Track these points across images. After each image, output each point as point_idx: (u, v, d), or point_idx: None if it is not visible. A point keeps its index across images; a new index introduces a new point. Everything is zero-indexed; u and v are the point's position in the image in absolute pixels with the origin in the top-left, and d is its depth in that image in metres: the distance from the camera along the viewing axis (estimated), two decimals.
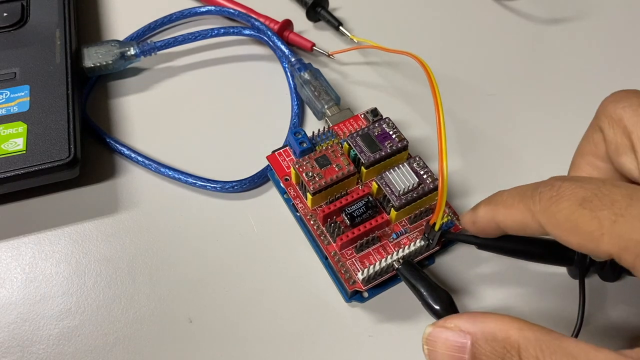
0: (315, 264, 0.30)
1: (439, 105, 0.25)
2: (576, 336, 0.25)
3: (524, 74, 0.40)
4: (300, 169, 0.29)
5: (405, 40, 0.41)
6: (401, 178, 0.28)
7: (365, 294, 0.29)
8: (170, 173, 0.34)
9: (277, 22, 0.40)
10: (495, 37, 0.42)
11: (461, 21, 0.43)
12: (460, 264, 0.31)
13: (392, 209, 0.28)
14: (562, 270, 0.30)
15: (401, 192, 0.28)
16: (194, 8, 0.41)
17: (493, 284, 0.30)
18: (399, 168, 0.28)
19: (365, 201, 0.28)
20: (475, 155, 0.35)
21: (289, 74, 0.38)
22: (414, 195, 0.28)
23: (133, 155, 0.35)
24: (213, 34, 0.39)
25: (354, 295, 0.29)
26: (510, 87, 0.39)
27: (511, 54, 0.41)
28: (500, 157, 0.35)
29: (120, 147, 0.35)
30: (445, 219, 0.28)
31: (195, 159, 0.35)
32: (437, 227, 0.26)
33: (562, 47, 0.41)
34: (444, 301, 0.26)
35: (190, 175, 0.34)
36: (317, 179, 0.28)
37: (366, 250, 0.28)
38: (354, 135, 0.30)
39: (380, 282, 0.28)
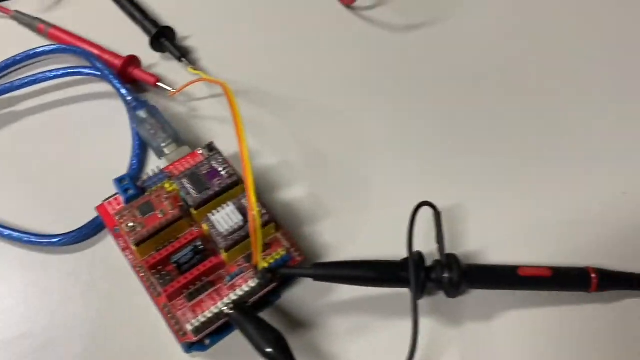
0: (155, 316, 0.29)
1: (241, 137, 0.24)
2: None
3: (379, 87, 0.39)
4: (121, 221, 0.27)
5: (260, 64, 0.40)
6: (225, 218, 0.27)
7: (207, 341, 0.27)
8: None
9: (122, 58, 0.38)
10: (353, 48, 0.41)
11: (318, 39, 0.41)
12: (308, 295, 0.29)
13: (222, 250, 0.27)
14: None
15: (226, 233, 0.27)
16: (37, 48, 0.39)
17: (341, 313, 0.29)
18: (222, 208, 0.27)
19: (193, 246, 0.27)
20: (325, 177, 0.34)
21: (129, 113, 0.36)
22: (242, 234, 0.27)
23: None
24: (51, 76, 0.38)
25: (192, 346, 0.27)
26: (362, 102, 0.38)
27: (370, 66, 0.40)
28: (349, 176, 0.34)
29: None
30: (282, 253, 0.27)
31: (32, 209, 0.33)
32: (259, 267, 0.25)
33: (421, 55, 0.40)
34: (272, 342, 0.24)
35: (7, 228, 0.31)
36: (137, 229, 0.27)
37: (199, 298, 0.27)
38: (180, 176, 0.29)
39: (221, 327, 0.27)
